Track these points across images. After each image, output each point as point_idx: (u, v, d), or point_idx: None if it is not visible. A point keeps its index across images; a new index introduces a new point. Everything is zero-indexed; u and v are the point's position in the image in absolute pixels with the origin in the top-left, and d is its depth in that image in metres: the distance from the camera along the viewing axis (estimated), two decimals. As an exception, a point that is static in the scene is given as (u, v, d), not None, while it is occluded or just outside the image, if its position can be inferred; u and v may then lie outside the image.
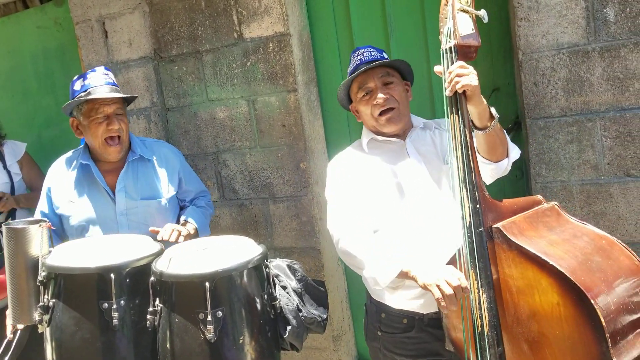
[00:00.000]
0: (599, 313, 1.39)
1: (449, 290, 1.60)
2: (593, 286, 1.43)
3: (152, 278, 1.93)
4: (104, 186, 2.43)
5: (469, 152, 1.64)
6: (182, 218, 2.48)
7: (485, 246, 1.59)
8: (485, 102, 1.73)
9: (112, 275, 1.93)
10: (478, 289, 1.59)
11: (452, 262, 1.75)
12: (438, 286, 1.62)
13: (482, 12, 1.69)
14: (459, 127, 1.65)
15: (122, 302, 1.96)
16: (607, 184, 2.33)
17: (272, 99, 2.91)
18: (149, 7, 3.12)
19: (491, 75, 2.62)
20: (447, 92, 1.68)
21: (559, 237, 1.60)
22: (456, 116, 1.67)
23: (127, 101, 2.49)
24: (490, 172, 1.91)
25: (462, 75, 1.64)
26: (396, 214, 1.97)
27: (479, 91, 1.68)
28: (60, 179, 2.49)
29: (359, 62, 2.06)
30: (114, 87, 2.40)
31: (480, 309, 1.59)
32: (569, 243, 1.58)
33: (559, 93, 2.34)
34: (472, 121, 1.76)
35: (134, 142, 2.51)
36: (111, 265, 1.97)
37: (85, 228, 2.47)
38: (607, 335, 1.38)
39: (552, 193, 2.40)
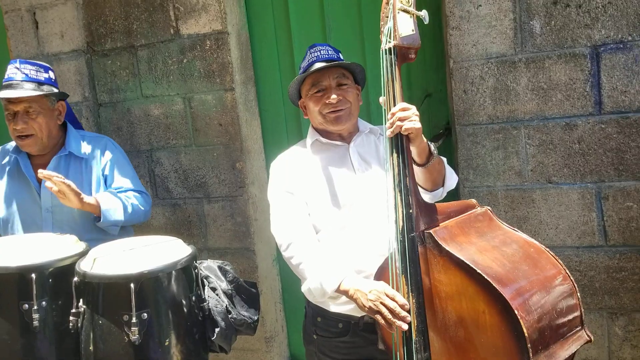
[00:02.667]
0: (522, 323, 1.41)
1: (389, 316, 1.61)
2: (518, 296, 1.45)
3: (75, 278, 1.87)
4: (31, 180, 2.35)
5: (405, 156, 1.64)
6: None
7: (417, 251, 1.60)
8: (425, 140, 1.74)
9: (34, 275, 1.87)
10: (408, 293, 1.60)
11: (384, 267, 1.75)
12: (379, 312, 1.63)
13: (423, 13, 1.67)
14: (399, 136, 1.66)
15: (43, 303, 1.90)
16: (530, 190, 2.43)
17: (209, 97, 2.88)
18: (83, -2, 3.03)
19: (424, 81, 2.69)
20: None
21: (488, 244, 1.61)
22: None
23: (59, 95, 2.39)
24: (425, 198, 1.94)
25: (404, 119, 1.64)
26: (334, 218, 1.97)
27: (421, 132, 1.68)
28: None
29: (315, 59, 2.02)
30: (29, 82, 2.30)
31: (409, 313, 1.60)
32: (498, 250, 1.59)
33: (487, 101, 2.42)
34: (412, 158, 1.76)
35: (69, 136, 2.42)
36: (32, 265, 1.91)
37: (11, 222, 2.38)
38: (529, 345, 1.40)
39: (478, 198, 2.47)
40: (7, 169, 2.42)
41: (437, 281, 1.59)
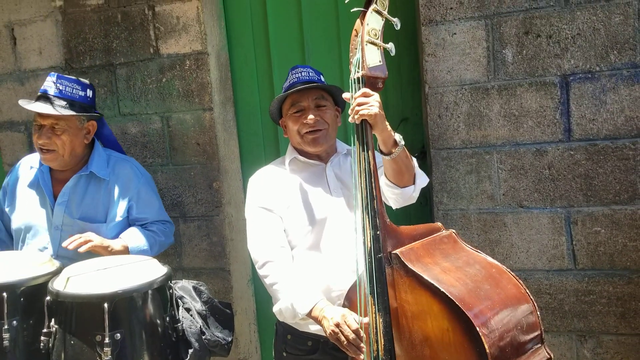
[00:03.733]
0: (484, 340, 1.46)
1: (345, 342, 1.71)
2: (480, 314, 1.51)
3: (47, 297, 1.86)
4: (47, 196, 2.35)
5: (372, 179, 1.68)
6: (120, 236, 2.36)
7: (384, 272, 1.65)
8: (390, 128, 1.79)
9: (5, 294, 1.86)
10: (375, 313, 1.64)
11: (353, 288, 1.80)
12: (338, 340, 1.72)
13: (390, 45, 1.74)
14: (363, 155, 1.70)
15: (14, 322, 1.88)
16: (502, 214, 2.48)
17: (187, 117, 2.89)
18: (62, 15, 3.03)
19: (400, 105, 2.74)
20: (350, 119, 1.74)
21: (452, 265, 1.67)
22: (360, 143, 1.72)
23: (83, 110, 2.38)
24: (395, 197, 1.97)
25: (362, 104, 1.70)
26: (308, 236, 2.01)
27: (381, 119, 1.73)
28: (19, 177, 2.42)
29: (296, 80, 2.09)
30: (62, 98, 2.30)
31: (377, 333, 1.64)
32: (462, 271, 1.65)
33: (461, 126, 2.48)
34: (378, 146, 1.82)
35: (94, 155, 2.39)
36: (4, 283, 1.90)
37: (22, 234, 2.37)
38: None
39: (452, 220, 2.52)
40: (30, 179, 2.42)
41: (403, 301, 1.64)
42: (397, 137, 1.84)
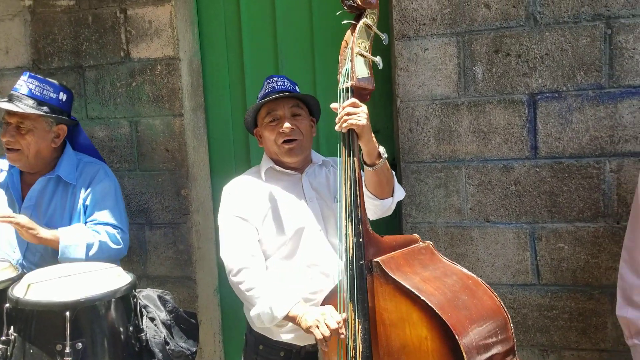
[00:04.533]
0: (462, 349, 1.50)
1: (326, 332, 1.68)
2: (458, 323, 1.54)
3: (7, 305, 1.80)
4: (15, 198, 2.29)
5: (357, 188, 1.72)
6: None
7: (365, 279, 1.67)
8: (375, 140, 1.83)
9: (-39, 302, 1.80)
10: (355, 320, 1.66)
11: (332, 293, 1.82)
12: (318, 327, 1.70)
13: (378, 59, 1.78)
14: (350, 163, 1.73)
15: (-29, 330, 1.82)
16: (469, 228, 2.51)
17: (157, 122, 2.85)
18: (31, 15, 2.96)
19: (372, 117, 2.72)
20: (337, 127, 1.76)
21: (431, 275, 1.71)
22: (347, 152, 1.75)
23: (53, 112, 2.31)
24: (374, 208, 2.00)
25: (350, 114, 1.72)
26: (284, 246, 2.01)
27: (368, 130, 1.77)
28: None
29: (271, 89, 2.10)
30: (31, 98, 2.25)
31: (355, 339, 1.66)
32: (440, 281, 1.69)
33: (431, 140, 2.51)
34: (362, 157, 1.85)
35: (63, 159, 2.34)
36: (-41, 290, 1.83)
37: None
38: None
39: (420, 233, 2.51)
40: (3, 180, 2.36)
41: (382, 309, 1.67)
42: (381, 149, 1.88)
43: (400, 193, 2.09)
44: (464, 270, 1.77)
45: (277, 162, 2.11)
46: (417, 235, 1.84)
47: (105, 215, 2.35)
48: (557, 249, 2.43)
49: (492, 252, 2.50)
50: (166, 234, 2.91)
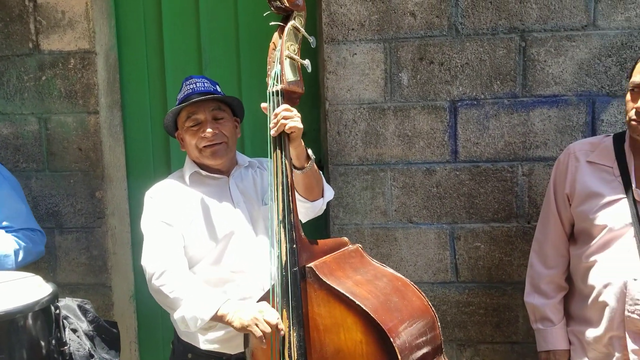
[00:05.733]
0: (397, 350, 1.53)
1: (267, 329, 1.64)
2: (392, 325, 1.57)
3: None
4: None
5: (289, 193, 1.70)
6: None
7: (299, 285, 1.66)
8: (304, 144, 1.82)
9: None
10: (290, 327, 1.64)
11: (264, 300, 1.78)
12: (257, 325, 1.65)
13: (307, 62, 1.78)
14: (282, 168, 1.71)
15: None
16: (393, 229, 2.59)
17: (69, 119, 2.67)
18: None
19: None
20: (273, 132, 1.73)
21: (363, 278, 1.73)
22: (280, 157, 1.72)
23: None
24: (306, 210, 1.99)
25: (288, 118, 1.71)
26: (212, 251, 1.95)
27: (300, 134, 1.77)
28: None
29: (190, 91, 2.01)
30: None
31: (290, 347, 1.64)
32: (372, 284, 1.71)
33: (358, 143, 2.56)
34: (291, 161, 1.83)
35: None
36: None
37: None
38: None
39: (347, 235, 2.58)
40: None
41: (316, 314, 1.67)
42: (309, 151, 1.87)
43: (329, 193, 2.10)
44: (393, 272, 1.81)
45: (202, 166, 2.04)
46: (346, 239, 1.86)
47: (20, 221, 2.24)
48: (474, 248, 2.57)
49: (415, 251, 2.59)
50: (78, 238, 2.73)
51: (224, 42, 2.77)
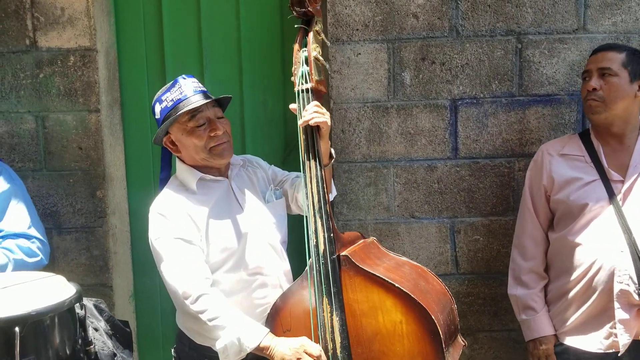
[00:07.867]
0: (439, 327, 1.64)
1: None
2: (430, 305, 1.67)
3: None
4: None
5: (323, 185, 1.79)
6: None
7: (338, 272, 1.74)
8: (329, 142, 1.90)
9: None
10: (331, 312, 1.72)
11: (285, 300, 1.84)
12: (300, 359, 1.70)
13: (327, 64, 1.86)
14: (315, 163, 1.80)
15: None
16: (396, 224, 2.66)
17: (68, 118, 2.62)
18: None
19: (300, 118, 2.80)
20: (301, 122, 1.81)
21: (389, 265, 1.83)
22: (313, 152, 1.82)
23: None
24: None
25: (319, 113, 1.80)
26: (230, 258, 1.93)
27: (329, 131, 1.84)
28: None
29: (191, 92, 1.94)
30: None
31: (332, 332, 1.71)
32: (400, 270, 1.82)
33: (362, 141, 2.62)
34: None
35: None
36: None
37: None
38: (444, 346, 1.64)
39: (350, 230, 2.62)
40: None
41: (352, 300, 1.74)
42: (332, 150, 1.95)
43: (335, 190, 2.18)
44: (410, 260, 1.92)
45: (203, 170, 1.98)
46: (359, 233, 1.95)
47: (17, 226, 2.12)
48: (473, 241, 2.67)
49: (417, 245, 2.67)
50: (78, 239, 2.69)
51: (225, 40, 2.78)
